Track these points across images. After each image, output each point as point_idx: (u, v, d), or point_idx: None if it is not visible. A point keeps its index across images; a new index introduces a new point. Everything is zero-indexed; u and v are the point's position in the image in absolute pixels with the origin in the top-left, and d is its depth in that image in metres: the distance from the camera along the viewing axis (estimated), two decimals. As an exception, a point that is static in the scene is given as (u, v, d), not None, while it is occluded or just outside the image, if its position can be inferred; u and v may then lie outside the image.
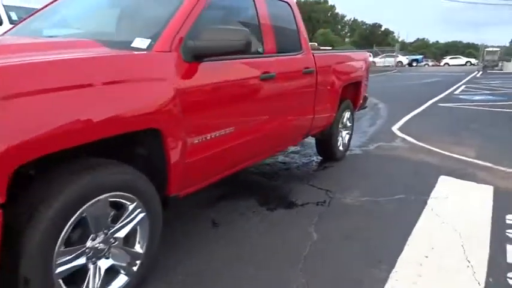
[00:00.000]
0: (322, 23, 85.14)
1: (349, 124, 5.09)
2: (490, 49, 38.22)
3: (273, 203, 3.54)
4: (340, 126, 4.81)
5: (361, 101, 5.35)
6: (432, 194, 3.82)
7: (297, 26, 3.64)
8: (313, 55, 3.79)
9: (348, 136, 5.11)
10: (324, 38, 71.30)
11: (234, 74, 2.58)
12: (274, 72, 3.01)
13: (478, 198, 3.75)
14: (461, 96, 12.69)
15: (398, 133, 6.74)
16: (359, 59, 5.08)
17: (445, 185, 4.13)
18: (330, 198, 3.70)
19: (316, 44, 27.68)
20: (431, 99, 11.58)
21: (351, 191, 3.89)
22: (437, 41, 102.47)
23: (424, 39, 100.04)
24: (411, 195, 3.78)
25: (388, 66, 35.03)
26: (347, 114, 4.96)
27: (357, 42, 72.47)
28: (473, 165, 4.83)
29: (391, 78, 22.09)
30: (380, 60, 36.81)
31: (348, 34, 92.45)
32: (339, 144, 4.84)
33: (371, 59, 36.61)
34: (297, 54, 3.55)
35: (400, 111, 9.03)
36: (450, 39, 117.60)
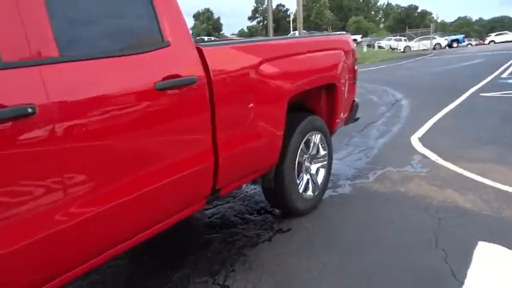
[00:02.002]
0: (355, 10, 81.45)
1: (322, 152, 3.21)
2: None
3: None
4: (301, 159, 2.95)
5: (343, 114, 3.44)
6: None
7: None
8: (200, 50, 1.97)
9: (322, 171, 3.23)
10: (357, 26, 67.88)
11: None
12: (34, 105, 1.27)
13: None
14: (510, 81, 10.21)
15: (419, 147, 4.72)
16: (331, 47, 3.17)
17: (488, 263, 2.18)
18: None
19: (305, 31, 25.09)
20: (471, 87, 9.24)
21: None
22: (480, 18, 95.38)
23: (465, 17, 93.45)
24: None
25: (425, 49, 31.89)
26: (315, 138, 3.08)
27: (392, 26, 68.50)
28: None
29: (425, 63, 19.41)
30: (415, 44, 33.66)
31: (382, 20, 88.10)
32: (300, 188, 2.98)
33: (404, 43, 33.73)
34: (146, 52, 1.74)
35: (426, 109, 6.92)
36: (495, 15, 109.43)
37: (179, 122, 1.84)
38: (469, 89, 9.05)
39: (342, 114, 3.39)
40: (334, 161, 3.73)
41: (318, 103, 3.25)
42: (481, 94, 8.37)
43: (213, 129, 2.03)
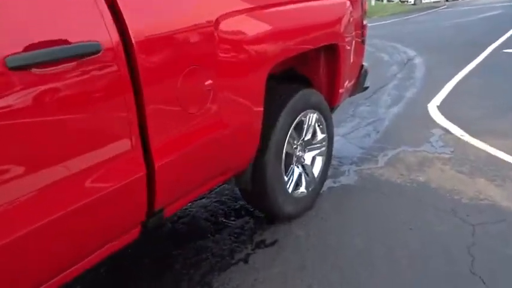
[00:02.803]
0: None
1: (319, 136, 2.46)
2: None
3: None
4: (290, 148, 2.22)
5: (348, 83, 2.65)
6: None
7: None
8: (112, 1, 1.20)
9: (320, 159, 2.50)
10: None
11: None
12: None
13: None
14: (535, 34, 9.17)
15: (438, 118, 3.95)
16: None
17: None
18: None
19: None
20: (491, 43, 8.25)
21: None
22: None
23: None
24: None
25: (437, 1, 29.98)
26: (310, 119, 2.32)
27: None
28: None
29: (438, 16, 18.01)
30: (427, -4, 31.64)
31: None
32: (290, 186, 2.26)
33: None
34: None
35: (443, 69, 6.06)
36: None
37: (70, 116, 1.10)
38: (489, 44, 8.07)
39: (346, 83, 2.60)
40: (336, 138, 3.02)
41: (315, 71, 2.47)
42: (504, 50, 7.42)
43: (141, 123, 1.30)
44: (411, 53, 7.89)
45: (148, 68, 1.27)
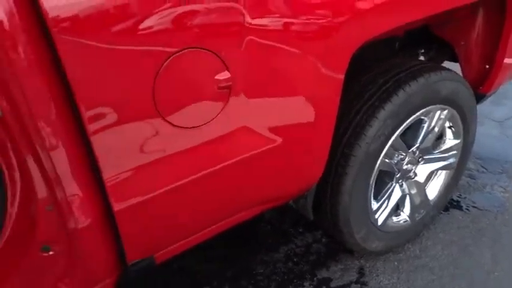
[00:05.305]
0: None
1: (449, 143, 1.60)
2: None
3: None
4: (390, 161, 1.44)
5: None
6: None
7: None
8: None
9: (443, 175, 1.66)
10: None
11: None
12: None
13: None
14: None
15: None
16: None
17: None
18: None
19: None
20: None
21: None
22: None
23: None
24: None
25: None
26: (435, 118, 1.47)
27: None
28: None
29: None
30: None
31: None
32: (383, 213, 1.53)
33: None
34: None
35: None
36: None
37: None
38: None
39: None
40: (479, 128, 2.08)
41: (464, 33, 1.56)
42: None
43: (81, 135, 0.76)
44: None
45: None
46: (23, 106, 0.70)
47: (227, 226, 1.13)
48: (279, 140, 1.01)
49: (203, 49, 0.82)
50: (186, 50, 0.79)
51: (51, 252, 0.86)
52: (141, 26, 0.74)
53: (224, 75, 0.86)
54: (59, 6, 0.66)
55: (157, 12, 0.75)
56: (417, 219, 1.63)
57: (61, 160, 0.75)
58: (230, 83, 0.87)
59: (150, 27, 0.75)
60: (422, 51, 1.81)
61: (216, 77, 0.85)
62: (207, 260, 1.64)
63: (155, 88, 0.79)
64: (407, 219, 1.60)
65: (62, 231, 0.84)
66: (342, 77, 1.01)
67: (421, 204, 1.63)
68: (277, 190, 1.12)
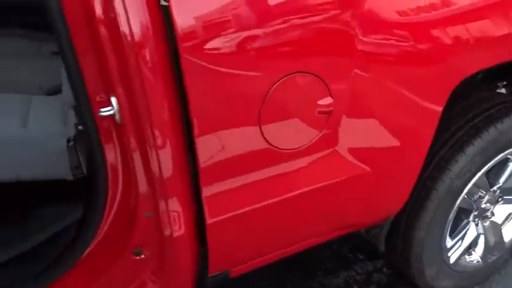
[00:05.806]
0: None
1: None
2: None
3: None
4: (470, 200, 1.38)
5: None
6: None
7: None
8: None
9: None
10: None
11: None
12: None
13: None
14: None
15: None
16: None
17: None
18: None
19: None
20: None
21: None
22: None
23: None
24: None
25: None
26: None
27: None
28: None
29: None
30: None
31: None
32: (456, 252, 1.46)
33: None
34: None
35: None
36: None
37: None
38: None
39: None
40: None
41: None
42: None
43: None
44: None
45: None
46: (143, 115, 0.73)
47: (302, 248, 1.12)
48: (369, 167, 0.99)
49: (310, 73, 0.83)
50: (295, 74, 0.81)
51: (142, 256, 0.89)
52: (257, 51, 0.76)
53: (327, 100, 0.86)
54: (190, 26, 0.69)
55: (274, 36, 0.77)
56: (489, 261, 1.55)
57: (169, 172, 0.78)
58: (331, 109, 0.87)
59: (265, 50, 0.77)
60: (504, 83, 1.73)
61: (319, 102, 0.86)
62: (265, 278, 1.64)
63: (263, 108, 0.80)
64: (480, 260, 1.52)
65: (156, 237, 0.87)
66: (440, 109, 0.99)
67: (495, 245, 1.54)
68: (360, 217, 1.11)
